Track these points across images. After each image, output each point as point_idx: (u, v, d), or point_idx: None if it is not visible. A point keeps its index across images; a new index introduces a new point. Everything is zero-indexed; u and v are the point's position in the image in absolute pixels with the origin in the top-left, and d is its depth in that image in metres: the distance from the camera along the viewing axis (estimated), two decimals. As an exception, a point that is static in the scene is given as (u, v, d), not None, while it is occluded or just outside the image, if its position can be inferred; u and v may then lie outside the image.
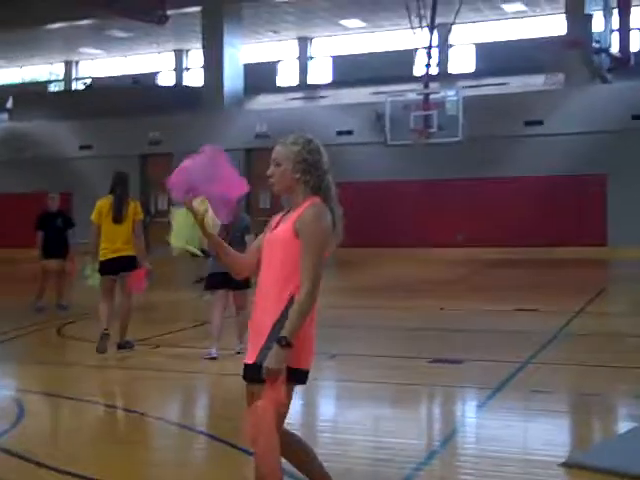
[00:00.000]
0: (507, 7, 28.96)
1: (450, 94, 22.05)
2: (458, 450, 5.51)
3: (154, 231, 24.60)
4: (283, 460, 3.78)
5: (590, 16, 23.35)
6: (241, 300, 8.58)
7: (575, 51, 22.49)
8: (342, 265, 18.92)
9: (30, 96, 32.78)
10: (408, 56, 29.08)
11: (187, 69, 36.08)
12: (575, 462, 4.87)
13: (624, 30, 23.71)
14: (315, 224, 3.61)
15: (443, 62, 28.85)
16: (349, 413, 6.56)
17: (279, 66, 34.32)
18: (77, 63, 38.50)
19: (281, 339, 3.50)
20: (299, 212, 3.66)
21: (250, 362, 3.67)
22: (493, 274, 19.30)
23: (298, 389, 3.78)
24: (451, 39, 29.22)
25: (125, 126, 27.84)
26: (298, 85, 33.06)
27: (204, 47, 28.67)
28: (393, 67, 28.99)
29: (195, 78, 33.79)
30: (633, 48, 24.39)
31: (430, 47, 22.67)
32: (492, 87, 25.59)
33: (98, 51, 36.24)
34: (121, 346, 8.86)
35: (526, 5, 28.72)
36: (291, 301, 3.59)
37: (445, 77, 27.37)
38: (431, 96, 21.86)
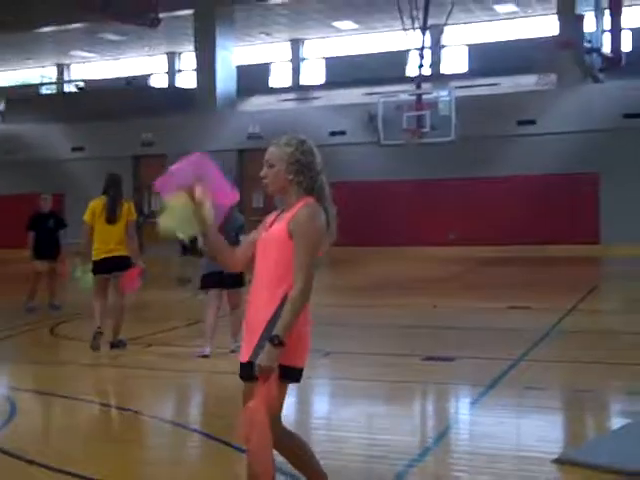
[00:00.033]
0: (499, 8, 29.02)
1: (443, 94, 22.10)
2: (451, 447, 5.52)
3: (147, 231, 24.60)
4: (279, 458, 3.80)
5: (581, 16, 23.39)
6: (235, 299, 8.61)
7: (567, 51, 22.54)
8: (336, 264, 18.94)
9: (22, 99, 32.71)
10: (401, 57, 29.17)
11: (179, 71, 36.06)
12: (568, 459, 4.88)
13: (615, 30, 23.76)
14: (308, 224, 3.62)
15: (436, 63, 28.91)
16: (343, 410, 6.57)
17: (272, 68, 34.32)
18: (69, 66, 38.47)
19: (273, 337, 3.52)
20: (293, 212, 3.67)
21: (244, 360, 3.69)
22: (486, 272, 19.34)
23: (292, 387, 3.79)
24: (443, 40, 29.30)
25: (118, 128, 27.83)
26: (291, 86, 33.07)
27: (196, 50, 28.68)
28: (386, 68, 29.03)
29: (188, 80, 33.78)
30: (624, 48, 24.45)
31: (422, 48, 22.71)
32: (484, 87, 25.65)
33: (90, 54, 36.21)
34: (114, 345, 8.88)
35: (518, 6, 28.78)
36: (284, 300, 3.60)
37: (438, 78, 27.42)
38: (424, 96, 21.90)
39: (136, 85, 32.45)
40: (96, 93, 31.51)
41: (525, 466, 4.91)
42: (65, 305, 12.79)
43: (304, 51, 33.87)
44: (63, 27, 30.15)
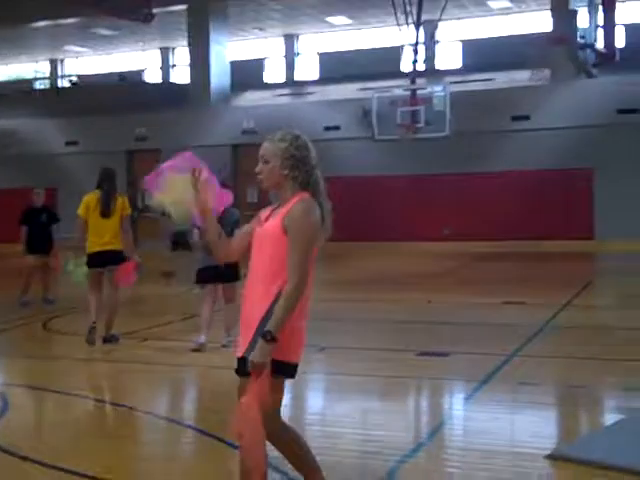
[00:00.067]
0: (493, 4, 29.00)
1: (437, 90, 22.08)
2: (445, 442, 5.52)
3: (142, 226, 24.60)
4: (274, 453, 3.80)
5: (575, 12, 23.44)
6: (230, 293, 8.63)
7: (561, 47, 22.56)
8: (330, 259, 18.91)
9: (16, 94, 32.61)
10: (395, 52, 29.12)
11: (173, 66, 35.98)
12: (561, 454, 4.88)
13: (609, 26, 23.81)
14: (303, 219, 3.62)
15: (430, 58, 28.84)
16: (338, 406, 6.57)
17: (266, 63, 34.26)
18: (62, 61, 38.35)
19: (266, 333, 3.52)
20: (288, 208, 3.67)
21: (240, 356, 3.68)
22: (480, 267, 19.36)
23: (287, 382, 3.78)
24: (438, 35, 29.25)
25: (111, 123, 27.77)
26: (285, 82, 33.03)
27: (190, 45, 28.60)
28: (380, 63, 28.99)
29: (181, 75, 33.71)
30: (618, 43, 24.50)
31: (417, 43, 22.68)
32: (479, 83, 25.65)
33: (84, 49, 36.09)
34: (106, 340, 8.88)
35: (512, 1, 28.76)
36: (279, 296, 3.60)
37: (432, 73, 27.39)
38: (418, 92, 21.87)
39: (130, 80, 32.35)
40: (89, 88, 31.43)
41: (519, 462, 4.92)
42: (59, 299, 12.77)
43: (298, 46, 33.81)
44: (56, 22, 30.02)
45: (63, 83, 36.88)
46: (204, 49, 27.86)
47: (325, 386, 7.50)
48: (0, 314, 11.58)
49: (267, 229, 3.72)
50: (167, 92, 29.65)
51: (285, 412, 5.82)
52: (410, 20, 22.14)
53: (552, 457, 4.86)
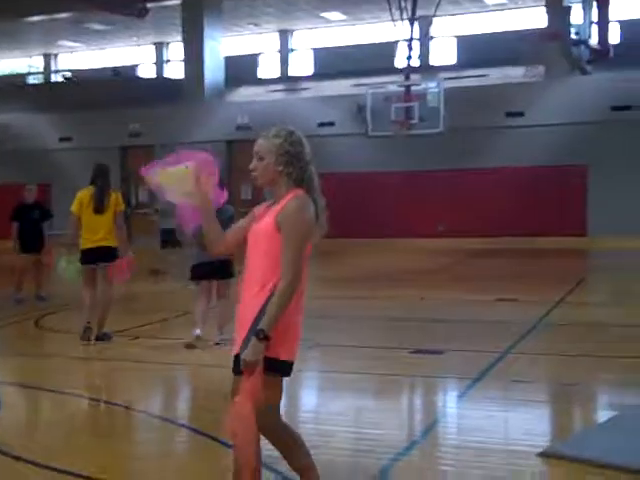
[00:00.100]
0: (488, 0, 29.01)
1: (431, 86, 22.06)
2: (439, 440, 5.52)
3: (135, 222, 24.57)
4: (267, 453, 3.79)
5: (569, 8, 23.46)
6: (224, 289, 8.63)
7: (554, 43, 22.58)
8: (324, 256, 18.87)
9: (9, 89, 32.49)
10: (389, 48, 29.11)
11: (167, 61, 35.90)
12: (554, 452, 4.89)
13: (603, 22, 23.85)
14: (296, 216, 3.61)
15: (424, 54, 28.92)
16: (332, 404, 6.57)
17: (260, 58, 34.21)
18: (56, 56, 38.23)
19: (258, 332, 3.51)
20: (282, 205, 3.67)
21: (235, 354, 3.68)
22: (475, 264, 19.37)
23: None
24: (432, 31, 29.25)
25: (105, 118, 27.70)
26: (279, 77, 32.99)
27: (184, 40, 28.54)
28: (374, 59, 28.98)
29: (175, 70, 33.64)
30: (612, 40, 24.53)
31: (411, 39, 22.69)
32: (473, 79, 25.63)
33: (77, 44, 35.98)
34: (99, 338, 8.85)
35: (507, -3, 28.78)
36: (273, 293, 3.59)
37: (426, 69, 27.40)
38: (412, 88, 21.87)
39: (124, 75, 32.27)
40: (83, 83, 31.32)
41: (513, 460, 4.92)
42: (52, 296, 12.73)
43: (292, 42, 33.78)
44: (50, 17, 29.93)
45: (57, 78, 36.78)
46: (198, 44, 27.81)
47: (319, 384, 7.50)
48: (-7, 311, 11.56)
49: (261, 226, 3.71)
50: (161, 87, 29.58)
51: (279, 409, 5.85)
52: (405, 16, 22.14)
53: (545, 455, 4.86)
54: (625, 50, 23.73)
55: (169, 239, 15.56)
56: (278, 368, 3.64)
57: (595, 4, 23.77)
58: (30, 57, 38.25)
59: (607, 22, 23.97)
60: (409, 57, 22.71)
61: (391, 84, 23.21)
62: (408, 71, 22.56)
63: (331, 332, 9.47)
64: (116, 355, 8.44)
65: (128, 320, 10.32)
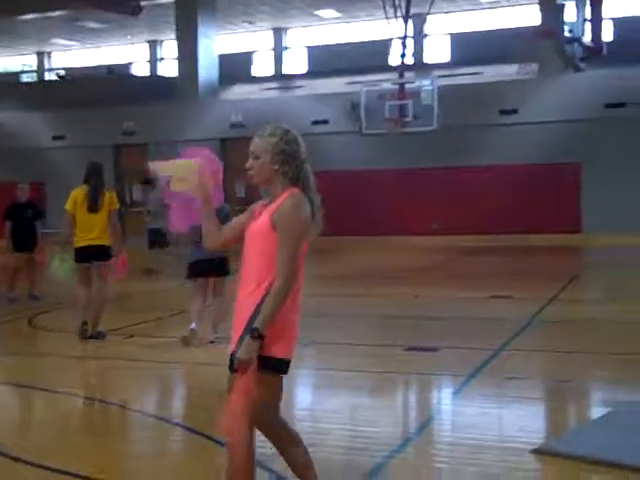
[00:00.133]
0: (482, -3, 29.06)
1: (425, 83, 22.03)
2: (433, 437, 5.54)
3: (129, 221, 24.53)
4: (260, 451, 3.79)
5: (563, 6, 23.49)
6: (219, 286, 8.62)
7: (548, 41, 22.60)
8: (319, 254, 18.86)
9: (2, 87, 32.41)
10: (383, 46, 29.11)
11: (161, 59, 35.85)
12: (548, 449, 4.90)
13: (596, 20, 23.89)
14: (292, 215, 3.62)
15: (418, 52, 28.90)
16: (327, 401, 6.58)
17: (254, 56, 34.18)
18: (50, 54, 38.15)
19: (253, 330, 3.51)
20: (277, 203, 3.67)
21: (231, 352, 3.69)
22: (468, 261, 19.39)
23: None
24: (426, 29, 29.25)
25: (99, 116, 27.64)
26: (273, 75, 32.95)
27: (178, 38, 28.48)
28: (368, 57, 28.98)
29: (169, 69, 33.59)
30: (605, 37, 24.58)
31: (405, 37, 22.67)
32: (467, 76, 25.65)
33: (71, 42, 35.89)
34: (93, 336, 8.84)
35: (501, -6, 28.80)
36: (269, 292, 3.59)
37: (420, 67, 27.41)
38: (406, 85, 21.84)
39: (117, 73, 32.21)
40: (77, 81, 31.27)
41: (507, 457, 4.93)
42: (45, 295, 12.70)
43: (287, 40, 33.74)
44: (44, 15, 29.81)
45: (50, 76, 36.70)
46: (192, 42, 27.76)
47: (314, 381, 7.49)
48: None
49: (257, 225, 3.72)
50: (155, 85, 29.54)
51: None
52: (399, 13, 22.12)
53: (539, 452, 4.88)
54: (618, 47, 23.76)
55: (156, 239, 15.54)
56: (274, 366, 3.64)
57: (588, 2, 23.81)
58: (24, 55, 38.16)
59: (600, 19, 24.01)
60: (403, 55, 22.70)
61: (385, 82, 23.18)
62: (402, 69, 22.56)
63: (326, 330, 9.48)
64: (111, 354, 8.43)
65: (123, 319, 10.32)
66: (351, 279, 15.52)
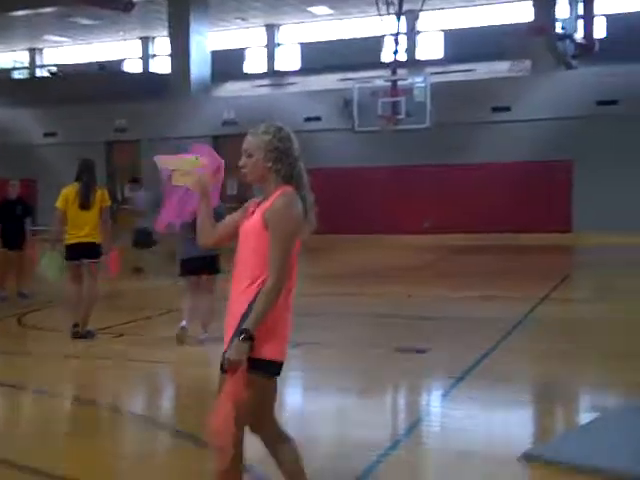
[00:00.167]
0: (475, -6, 29.04)
1: (418, 80, 22.04)
2: (422, 439, 5.52)
3: (121, 218, 24.43)
4: (250, 455, 3.76)
5: (555, 3, 23.52)
6: (210, 284, 8.60)
7: (541, 38, 22.60)
8: (311, 252, 18.82)
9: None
10: (376, 43, 29.06)
11: (153, 56, 35.76)
12: (535, 455, 4.87)
13: (589, 17, 23.92)
14: (283, 213, 3.60)
15: (411, 49, 28.88)
16: (315, 403, 6.56)
17: (247, 53, 34.12)
18: (42, 50, 38.02)
19: (242, 331, 3.48)
20: (270, 202, 3.65)
21: (223, 352, 3.66)
22: (460, 260, 19.38)
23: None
24: (419, 26, 29.23)
25: (91, 113, 27.59)
26: (266, 72, 32.91)
27: (170, 35, 28.46)
28: (361, 54, 28.94)
29: (162, 65, 33.52)
30: (598, 34, 24.60)
31: (398, 34, 22.68)
32: (459, 73, 25.64)
33: (63, 38, 35.79)
34: (82, 336, 8.80)
35: (494, -9, 28.79)
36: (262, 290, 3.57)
37: (413, 63, 27.41)
38: (399, 82, 21.85)
39: (109, 70, 32.16)
40: (69, 78, 31.19)
41: (494, 461, 4.92)
42: (36, 294, 12.63)
43: (279, 36, 33.69)
44: (36, 11, 29.69)
45: (42, 73, 36.58)
46: (184, 39, 27.73)
47: (302, 383, 7.46)
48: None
49: (250, 223, 3.70)
50: (147, 82, 29.49)
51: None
52: (391, 10, 22.12)
53: (526, 457, 4.85)
54: (611, 45, 23.78)
55: (140, 239, 15.47)
56: (263, 368, 3.61)
57: (581, -1, 23.84)
58: (15, 52, 38.03)
59: (593, 16, 24.04)
60: (396, 52, 22.70)
61: (378, 79, 23.18)
62: (395, 66, 22.54)
63: (317, 330, 9.42)
64: (100, 352, 8.39)
65: (112, 317, 10.28)
66: (344, 278, 15.49)
